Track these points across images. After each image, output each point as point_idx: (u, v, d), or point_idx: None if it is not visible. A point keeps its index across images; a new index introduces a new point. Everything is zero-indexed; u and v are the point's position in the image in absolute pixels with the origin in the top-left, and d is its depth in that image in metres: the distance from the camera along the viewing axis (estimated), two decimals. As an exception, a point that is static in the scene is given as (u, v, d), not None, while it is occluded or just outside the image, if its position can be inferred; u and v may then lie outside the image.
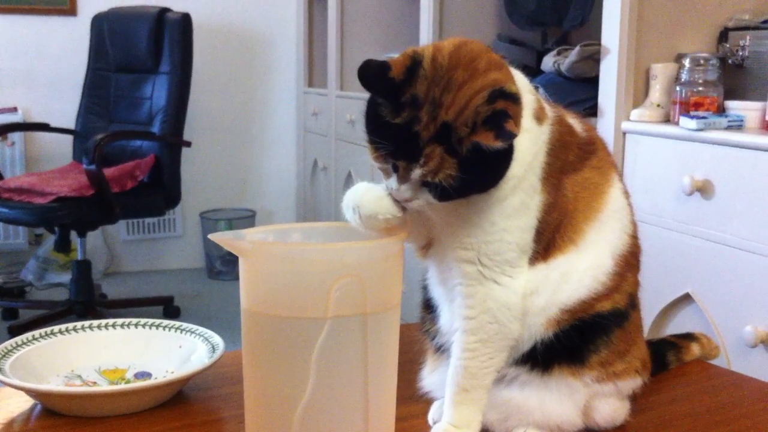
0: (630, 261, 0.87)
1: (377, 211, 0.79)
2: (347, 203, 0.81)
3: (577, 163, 0.84)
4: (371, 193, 0.80)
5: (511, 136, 0.73)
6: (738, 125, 1.94)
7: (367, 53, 3.95)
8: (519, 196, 0.80)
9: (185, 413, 0.94)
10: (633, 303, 0.88)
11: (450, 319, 0.87)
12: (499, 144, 0.73)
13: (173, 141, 3.67)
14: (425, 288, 0.94)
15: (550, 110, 0.84)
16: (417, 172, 0.75)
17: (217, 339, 1.04)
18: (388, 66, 0.76)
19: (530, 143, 0.80)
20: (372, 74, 0.76)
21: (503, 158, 0.76)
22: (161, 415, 0.93)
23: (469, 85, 0.75)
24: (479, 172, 0.75)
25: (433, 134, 0.74)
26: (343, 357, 0.76)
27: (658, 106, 2.16)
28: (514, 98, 0.76)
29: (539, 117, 0.82)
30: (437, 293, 0.90)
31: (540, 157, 0.81)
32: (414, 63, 0.76)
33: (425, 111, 0.74)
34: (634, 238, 0.89)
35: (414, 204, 0.78)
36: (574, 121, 0.87)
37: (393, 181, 0.78)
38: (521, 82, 0.81)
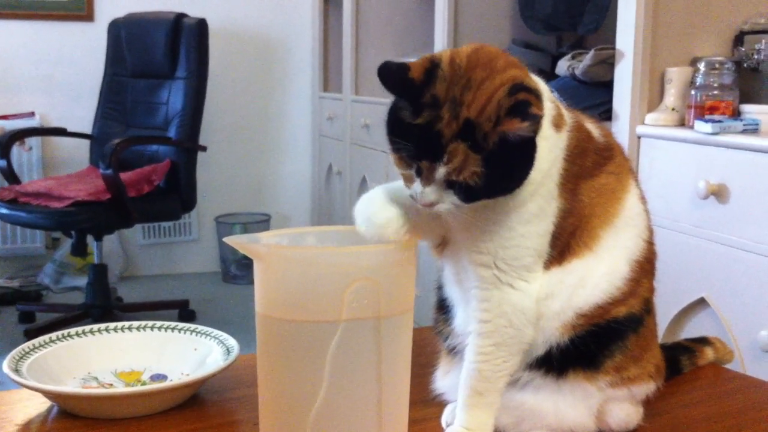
0: (645, 267, 0.87)
1: (382, 234, 0.80)
2: (358, 212, 0.82)
3: (594, 168, 0.84)
4: (380, 217, 0.81)
5: (537, 117, 0.73)
6: (753, 129, 1.93)
7: (382, 58, 3.94)
8: (537, 202, 0.80)
9: (200, 415, 0.95)
10: (648, 308, 0.88)
11: (465, 320, 0.87)
12: (526, 126, 0.72)
13: (189, 146, 3.69)
14: (439, 288, 0.94)
15: (568, 116, 0.84)
16: (441, 171, 0.74)
17: (232, 342, 1.05)
18: (407, 67, 0.77)
19: (548, 151, 0.80)
20: (392, 75, 0.76)
21: (528, 153, 0.75)
22: (177, 417, 0.94)
23: (489, 83, 0.75)
24: (504, 168, 0.75)
25: (456, 132, 0.74)
26: (357, 360, 0.77)
27: (673, 110, 2.16)
28: (534, 92, 0.76)
29: (557, 124, 0.82)
30: (452, 293, 0.91)
31: (558, 164, 0.81)
32: (432, 65, 0.77)
33: (446, 109, 0.74)
34: (650, 243, 0.89)
35: (440, 208, 0.77)
36: (592, 127, 0.87)
37: (417, 185, 0.77)
38: (541, 88, 0.81)
